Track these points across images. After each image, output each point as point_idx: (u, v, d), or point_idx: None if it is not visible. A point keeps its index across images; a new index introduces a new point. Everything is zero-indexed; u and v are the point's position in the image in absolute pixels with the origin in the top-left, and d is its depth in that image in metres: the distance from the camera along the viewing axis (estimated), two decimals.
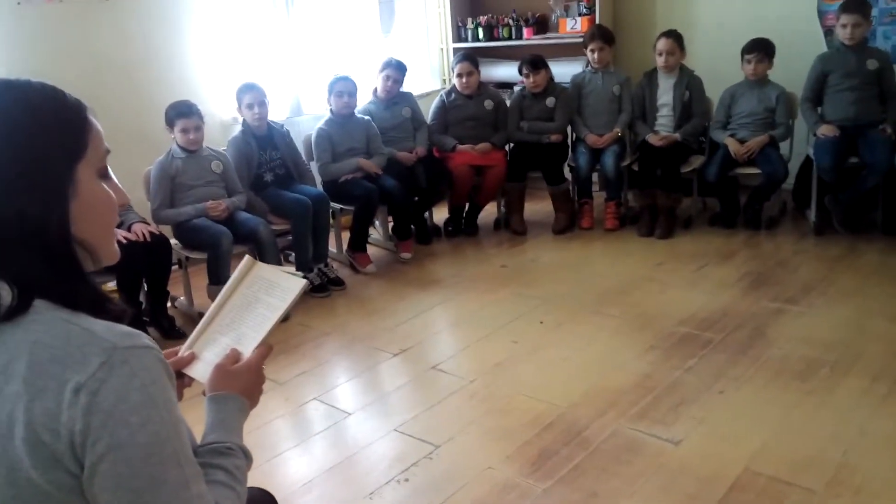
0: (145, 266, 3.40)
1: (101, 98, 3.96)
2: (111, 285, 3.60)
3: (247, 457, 1.09)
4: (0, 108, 0.89)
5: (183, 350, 1.26)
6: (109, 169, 0.99)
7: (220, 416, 1.11)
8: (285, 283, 1.23)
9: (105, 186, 0.97)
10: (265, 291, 1.24)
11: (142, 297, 3.50)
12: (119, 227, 3.36)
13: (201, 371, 1.20)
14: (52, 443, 0.82)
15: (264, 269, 1.27)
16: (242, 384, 1.16)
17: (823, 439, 2.41)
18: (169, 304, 3.67)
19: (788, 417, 2.56)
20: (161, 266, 3.46)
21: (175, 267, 3.64)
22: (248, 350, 1.20)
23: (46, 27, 3.83)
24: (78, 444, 0.82)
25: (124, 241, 3.26)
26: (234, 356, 1.19)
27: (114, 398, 0.83)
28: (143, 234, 3.34)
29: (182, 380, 1.23)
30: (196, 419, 1.13)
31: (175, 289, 3.83)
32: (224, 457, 1.04)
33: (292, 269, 1.27)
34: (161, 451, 0.85)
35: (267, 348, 1.21)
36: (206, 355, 1.23)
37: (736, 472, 2.27)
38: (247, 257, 1.31)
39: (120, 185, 1.00)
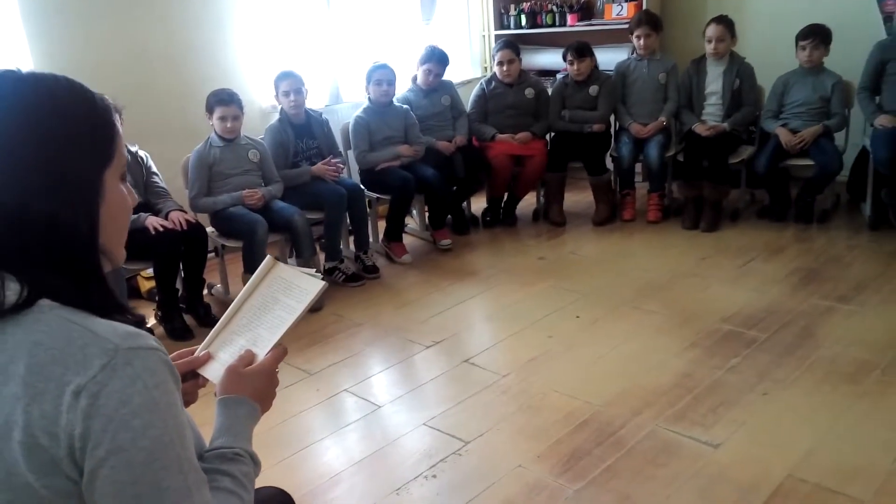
0: (182, 253, 3.42)
1: (144, 87, 4.02)
2: (148, 272, 3.65)
3: (255, 463, 1.05)
4: (31, 110, 0.87)
5: (200, 350, 1.24)
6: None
7: (230, 421, 1.07)
8: (303, 285, 1.20)
9: (125, 190, 0.96)
10: (283, 292, 1.22)
11: (178, 285, 3.53)
12: (156, 214, 3.39)
13: (216, 372, 1.18)
14: (50, 447, 0.80)
15: (284, 270, 1.25)
16: (254, 387, 1.12)
17: (873, 446, 2.29)
18: (205, 292, 3.70)
19: (836, 422, 2.44)
20: (197, 254, 3.48)
21: (211, 255, 3.66)
22: (263, 352, 1.17)
23: (89, 17, 3.86)
24: (77, 448, 0.80)
25: (161, 229, 3.28)
26: (248, 358, 1.16)
27: (115, 401, 0.80)
28: (180, 222, 3.36)
29: (197, 380, 1.22)
30: (208, 419, 1.10)
31: (211, 276, 3.86)
32: (231, 463, 1.01)
33: (312, 269, 1.23)
34: (163, 457, 0.82)
35: (281, 351, 1.18)
36: (221, 356, 1.21)
37: (778, 479, 2.17)
38: (268, 257, 1.28)
39: (130, 187, 0.99)
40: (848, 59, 4.35)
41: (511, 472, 2.29)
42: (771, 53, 4.69)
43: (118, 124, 0.94)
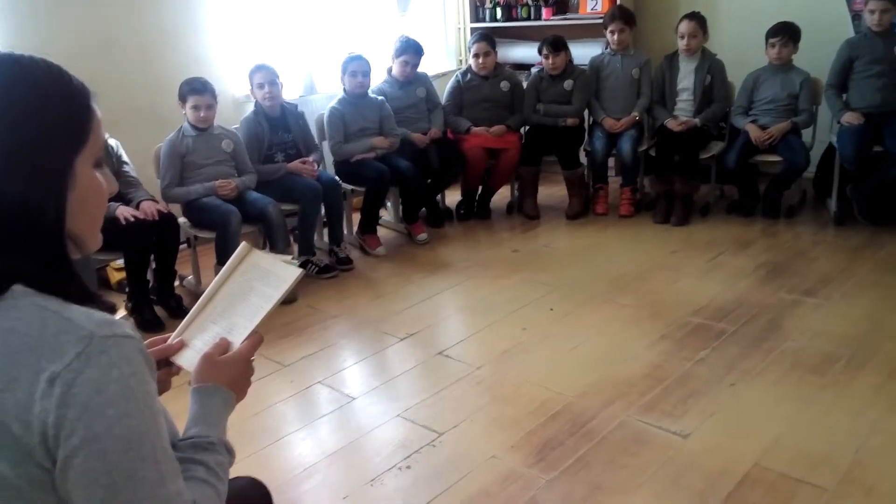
0: (153, 244, 3.38)
1: (114, 76, 3.96)
2: (118, 263, 3.61)
3: (229, 452, 1.05)
4: (8, 89, 0.86)
5: (173, 337, 1.22)
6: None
7: (204, 410, 1.07)
8: (280, 272, 1.19)
9: (99, 176, 0.94)
10: (260, 280, 1.20)
11: (149, 276, 3.49)
12: (127, 204, 3.35)
13: (190, 360, 1.17)
14: (23, 435, 0.79)
15: (260, 257, 1.24)
16: (229, 376, 1.12)
17: (836, 436, 2.36)
18: (177, 283, 3.66)
19: (801, 412, 2.50)
20: (169, 245, 3.44)
21: (183, 246, 3.62)
22: (238, 340, 1.16)
23: (58, 5, 3.78)
24: (51, 436, 0.79)
25: (132, 219, 3.24)
26: (224, 346, 1.16)
27: (90, 389, 0.80)
28: (152, 213, 3.32)
29: (170, 368, 1.20)
30: (182, 409, 1.10)
31: (183, 267, 3.82)
32: (205, 452, 1.00)
33: (289, 257, 1.22)
34: (138, 446, 0.82)
35: (258, 339, 1.17)
36: (195, 343, 1.19)
37: (745, 468, 2.22)
38: (243, 244, 1.27)
39: (110, 174, 0.98)
40: (816, 57, 4.43)
41: (484, 463, 2.31)
42: (741, 50, 4.76)
43: (95, 109, 0.93)
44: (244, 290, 1.21)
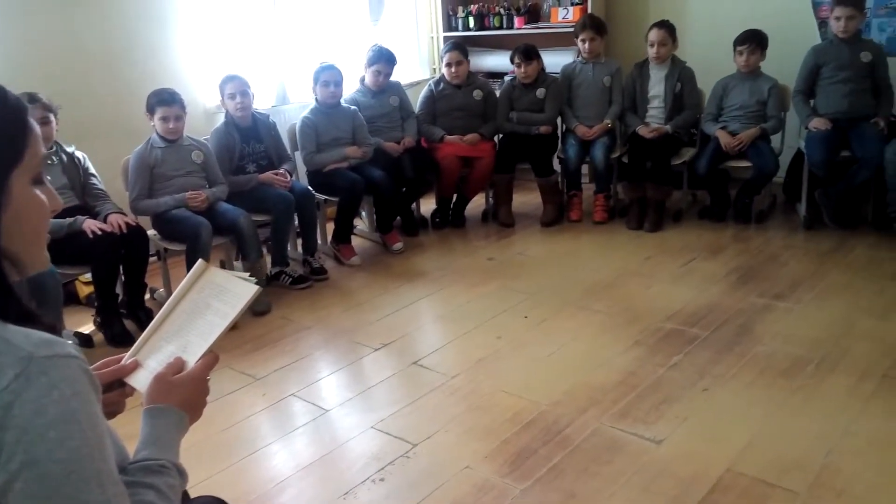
0: (121, 257, 3.33)
1: (82, 86, 3.91)
2: (87, 276, 3.55)
3: (181, 475, 1.03)
4: None
5: (127, 357, 1.19)
6: (44, 174, 0.93)
7: (156, 431, 1.04)
8: (236, 289, 1.17)
9: (38, 193, 0.90)
10: (216, 297, 1.18)
11: (119, 289, 3.43)
12: (95, 217, 3.30)
13: (143, 380, 1.14)
14: None
15: (216, 274, 1.21)
16: (183, 396, 1.09)
17: (807, 439, 2.37)
18: (147, 296, 3.61)
19: (772, 417, 2.52)
20: (138, 257, 3.40)
21: (153, 258, 3.57)
22: (193, 359, 1.14)
23: (25, 15, 3.73)
24: None
25: (99, 233, 3.19)
26: (178, 365, 1.13)
27: (29, 412, 0.77)
28: (120, 226, 3.27)
29: (124, 389, 1.17)
30: (136, 431, 1.07)
31: (154, 280, 3.77)
32: (156, 475, 0.98)
33: (246, 274, 1.20)
34: (81, 470, 0.79)
35: (213, 358, 1.14)
36: (149, 363, 1.16)
37: (718, 473, 2.22)
38: (200, 261, 1.24)
39: (53, 191, 0.94)
40: (784, 64, 4.49)
41: (459, 474, 2.30)
42: (710, 58, 4.81)
43: (32, 124, 0.90)
44: (200, 308, 1.18)
